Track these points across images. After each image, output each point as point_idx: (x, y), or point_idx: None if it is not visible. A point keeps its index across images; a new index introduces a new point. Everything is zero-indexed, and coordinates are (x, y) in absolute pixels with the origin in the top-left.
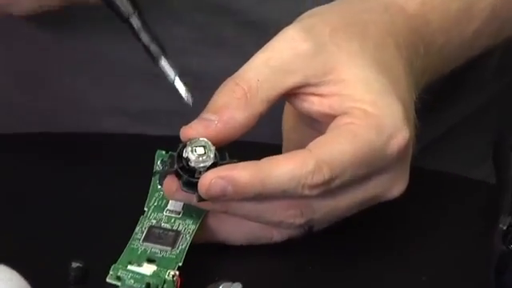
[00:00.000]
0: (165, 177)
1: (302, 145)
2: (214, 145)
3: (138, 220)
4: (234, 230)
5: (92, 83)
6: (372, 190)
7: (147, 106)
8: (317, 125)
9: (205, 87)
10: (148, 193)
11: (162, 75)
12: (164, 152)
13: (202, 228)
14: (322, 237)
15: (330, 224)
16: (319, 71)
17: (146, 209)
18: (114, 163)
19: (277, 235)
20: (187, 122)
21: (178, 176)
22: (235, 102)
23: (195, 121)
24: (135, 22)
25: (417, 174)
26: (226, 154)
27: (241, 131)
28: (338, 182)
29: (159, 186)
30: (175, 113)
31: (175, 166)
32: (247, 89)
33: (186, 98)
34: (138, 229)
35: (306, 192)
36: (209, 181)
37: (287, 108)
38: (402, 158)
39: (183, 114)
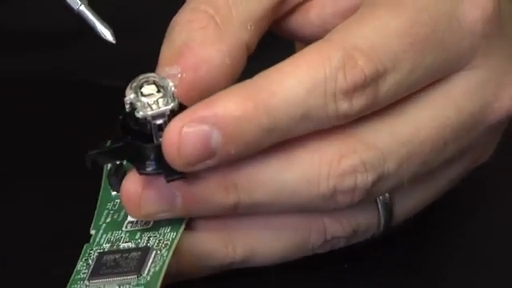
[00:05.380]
0: (116, 172)
1: None
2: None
3: (81, 252)
4: (256, 237)
5: None
6: (461, 93)
7: None
8: None
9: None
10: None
11: None
12: None
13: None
14: None
15: (432, 195)
16: None
17: (92, 232)
18: None
19: (332, 227)
20: None
21: (131, 155)
22: (199, 35)
23: None
24: None
25: None
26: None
27: (223, 77)
28: (390, 80)
29: (113, 193)
30: None
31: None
32: (213, 10)
33: (101, 32)
34: (80, 265)
35: (344, 106)
36: (177, 133)
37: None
38: (493, 34)
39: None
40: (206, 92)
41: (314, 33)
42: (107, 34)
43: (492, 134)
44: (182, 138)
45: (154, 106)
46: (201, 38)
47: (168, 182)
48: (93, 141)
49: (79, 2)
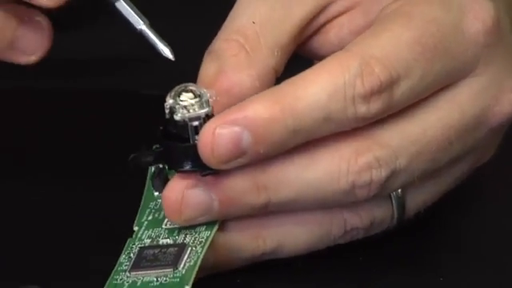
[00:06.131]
0: (158, 175)
1: None
2: None
3: (124, 246)
4: (283, 232)
5: None
6: (465, 98)
7: None
8: None
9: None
10: (139, 207)
11: None
12: None
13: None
14: None
15: (438, 194)
16: None
17: (135, 228)
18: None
19: (351, 220)
20: None
21: (171, 160)
22: (232, 62)
23: None
24: None
25: None
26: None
27: None
28: (403, 86)
29: (155, 193)
30: None
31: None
32: (243, 39)
33: (162, 50)
34: (123, 257)
35: (362, 110)
36: (211, 134)
37: None
38: (494, 44)
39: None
40: None
41: (333, 52)
42: (167, 52)
43: (493, 136)
44: (215, 138)
45: (191, 110)
46: (233, 65)
47: (203, 176)
48: (138, 144)
49: (141, 22)
